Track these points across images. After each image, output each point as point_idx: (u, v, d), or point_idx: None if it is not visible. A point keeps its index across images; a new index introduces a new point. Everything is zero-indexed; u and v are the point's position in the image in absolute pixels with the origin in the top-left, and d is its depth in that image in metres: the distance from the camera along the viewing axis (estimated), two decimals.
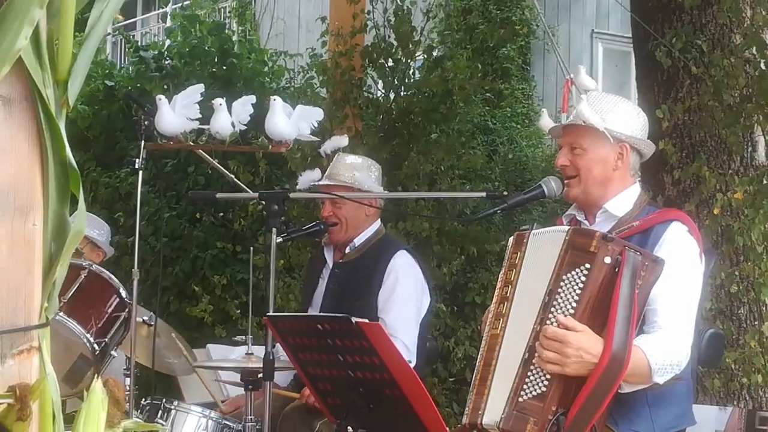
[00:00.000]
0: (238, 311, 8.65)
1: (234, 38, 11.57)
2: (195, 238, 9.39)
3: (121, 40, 16.85)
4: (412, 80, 9.15)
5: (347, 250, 5.51)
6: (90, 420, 2.05)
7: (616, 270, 3.59)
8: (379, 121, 8.92)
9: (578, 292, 3.63)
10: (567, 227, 3.92)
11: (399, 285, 5.34)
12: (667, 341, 3.75)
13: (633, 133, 4.08)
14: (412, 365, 4.33)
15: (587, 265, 3.62)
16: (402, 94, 9.02)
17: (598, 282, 3.61)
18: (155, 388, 5.77)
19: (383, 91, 9.24)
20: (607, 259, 3.60)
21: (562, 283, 3.67)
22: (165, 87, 9.51)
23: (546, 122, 4.33)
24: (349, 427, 3.99)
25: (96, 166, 10.17)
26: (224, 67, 10.13)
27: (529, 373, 3.64)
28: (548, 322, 3.66)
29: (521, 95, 13.96)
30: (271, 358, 4.40)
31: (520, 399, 3.62)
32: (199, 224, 9.48)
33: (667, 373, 3.71)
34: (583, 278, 3.62)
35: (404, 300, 5.34)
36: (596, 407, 3.57)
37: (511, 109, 13.13)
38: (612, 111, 4.07)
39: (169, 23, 12.48)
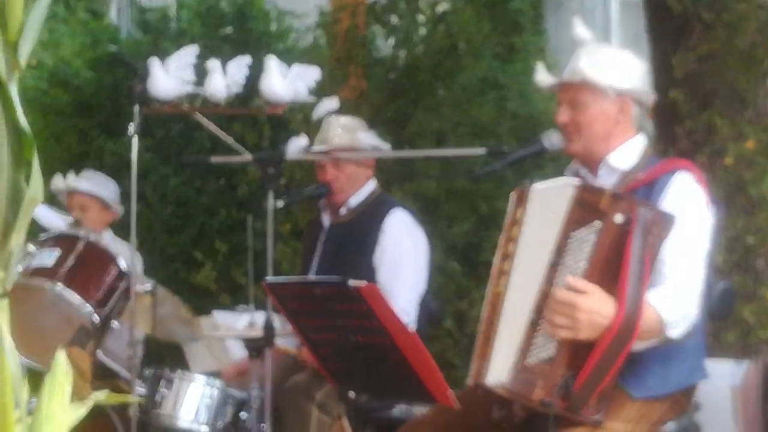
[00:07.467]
0: (245, 278, 8.54)
1: None
2: (201, 205, 9.27)
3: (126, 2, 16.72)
4: (417, 37, 9.01)
5: (342, 212, 5.40)
6: (55, 392, 1.98)
7: (627, 228, 3.47)
8: (384, 80, 8.78)
9: (588, 251, 3.52)
10: (573, 181, 3.80)
11: (395, 246, 5.22)
12: (676, 293, 3.64)
13: (633, 85, 3.98)
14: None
15: (597, 223, 3.52)
16: (408, 51, 8.88)
17: (609, 241, 3.50)
18: (157, 358, 5.70)
19: (388, 48, 9.09)
20: (618, 218, 3.50)
21: (569, 241, 3.56)
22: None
23: (542, 78, 4.20)
24: (350, 392, 3.91)
25: (101, 133, 10.06)
26: (240, 29, 9.96)
27: (536, 335, 3.56)
28: (556, 281, 3.57)
29: (534, 49, 13.77)
30: (271, 324, 4.32)
31: (527, 362, 3.55)
32: (206, 190, 9.36)
33: (680, 326, 3.62)
34: (593, 236, 3.52)
35: (400, 262, 5.21)
36: (607, 369, 3.49)
37: (523, 64, 12.94)
38: (611, 64, 3.97)
39: None
